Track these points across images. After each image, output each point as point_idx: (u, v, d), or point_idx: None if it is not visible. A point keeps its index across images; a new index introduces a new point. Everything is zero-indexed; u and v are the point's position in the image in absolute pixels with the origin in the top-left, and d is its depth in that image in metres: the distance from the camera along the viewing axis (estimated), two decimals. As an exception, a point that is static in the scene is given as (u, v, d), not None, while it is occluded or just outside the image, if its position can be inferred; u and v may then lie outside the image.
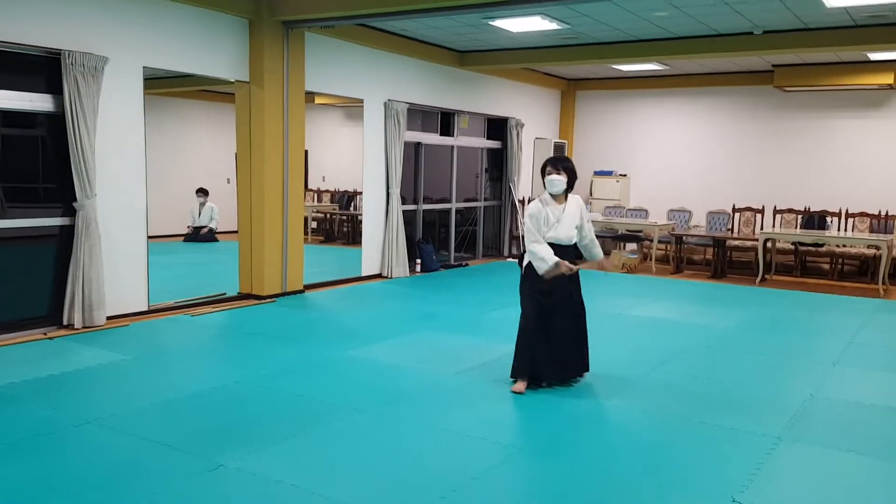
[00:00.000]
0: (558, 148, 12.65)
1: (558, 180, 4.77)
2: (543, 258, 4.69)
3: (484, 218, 11.73)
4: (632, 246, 11.95)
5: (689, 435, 4.15)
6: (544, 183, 4.84)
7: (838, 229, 10.54)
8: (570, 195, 4.88)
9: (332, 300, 8.02)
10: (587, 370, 5.07)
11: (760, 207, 11.08)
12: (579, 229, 4.90)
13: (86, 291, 6.12)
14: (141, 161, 6.64)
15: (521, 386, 4.80)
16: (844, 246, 10.09)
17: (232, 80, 7.50)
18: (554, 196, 4.83)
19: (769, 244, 10.32)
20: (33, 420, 4.10)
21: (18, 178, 6.22)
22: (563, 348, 4.88)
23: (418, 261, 10.00)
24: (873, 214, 10.34)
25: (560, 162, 4.86)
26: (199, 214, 13.30)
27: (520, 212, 11.73)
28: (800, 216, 10.78)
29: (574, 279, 4.94)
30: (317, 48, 8.24)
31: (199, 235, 13.13)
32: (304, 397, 4.61)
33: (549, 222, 4.78)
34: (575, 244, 4.94)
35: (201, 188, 13.28)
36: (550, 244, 4.74)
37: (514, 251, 11.80)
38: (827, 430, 4.27)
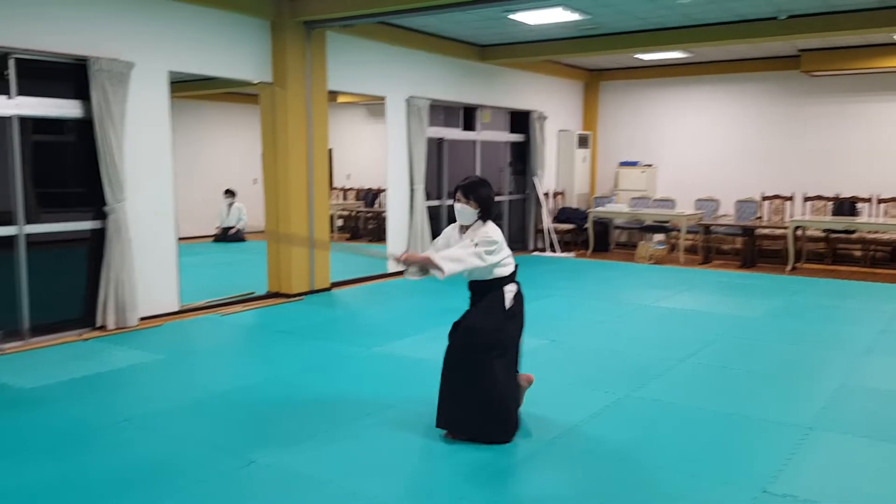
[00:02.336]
0: (582, 139, 12.58)
1: (464, 210, 3.90)
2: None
3: (510, 212, 11.71)
4: (659, 236, 11.83)
5: (719, 425, 4.12)
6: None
7: (869, 215, 10.36)
8: (483, 225, 3.91)
9: (359, 297, 8.07)
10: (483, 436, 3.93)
11: (790, 195, 10.93)
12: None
13: (118, 293, 6.23)
14: (168, 164, 6.74)
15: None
16: (876, 232, 9.92)
17: (255, 82, 7.57)
18: (463, 227, 3.98)
19: (799, 232, 10.18)
20: (68, 420, 4.19)
21: (50, 184, 6.35)
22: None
23: (444, 256, 10.00)
24: (906, 199, 10.17)
25: (470, 189, 3.89)
26: (228, 215, 13.45)
27: (544, 205, 11.69)
28: (830, 203, 10.62)
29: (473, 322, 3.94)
30: (338, 47, 8.29)
31: (228, 236, 13.28)
32: (333, 394, 4.65)
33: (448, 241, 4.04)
34: (487, 279, 3.94)
35: (228, 189, 13.43)
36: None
37: (540, 244, 11.76)
38: (859, 419, 4.22)
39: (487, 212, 3.92)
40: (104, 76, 5.98)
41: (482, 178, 4.08)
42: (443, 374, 3.95)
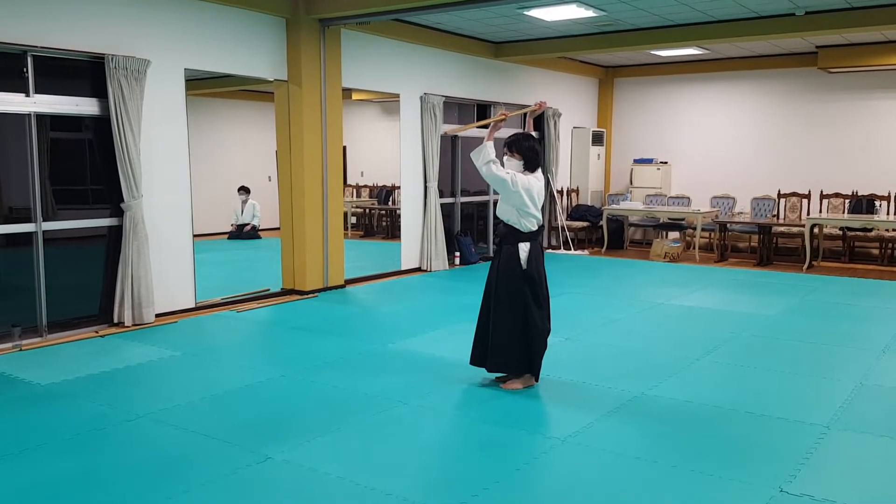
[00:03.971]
0: (597, 136, 12.54)
1: (510, 162, 4.64)
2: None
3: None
4: (674, 234, 11.79)
5: (735, 424, 4.10)
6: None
7: (888, 213, 10.26)
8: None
9: (373, 294, 8.09)
10: (490, 369, 4.70)
11: (806, 192, 10.84)
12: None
13: (135, 290, 6.27)
14: (185, 161, 6.77)
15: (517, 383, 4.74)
16: (894, 230, 9.82)
17: (271, 80, 7.60)
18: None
19: (816, 230, 10.10)
20: (86, 415, 4.23)
21: (67, 181, 6.41)
22: (481, 334, 4.75)
23: (457, 254, 10.02)
24: (925, 197, 10.06)
25: (515, 142, 4.64)
26: (242, 212, 13.52)
27: (558, 202, 11.66)
28: (847, 200, 10.52)
29: (500, 271, 4.59)
30: (352, 44, 8.30)
31: (243, 233, 13.35)
32: (347, 390, 4.66)
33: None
34: (510, 225, 4.59)
35: (243, 186, 13.50)
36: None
37: (554, 242, 11.73)
38: (877, 418, 4.18)
39: (530, 162, 4.59)
40: (121, 74, 6.02)
41: (527, 132, 4.77)
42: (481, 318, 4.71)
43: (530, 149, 4.60)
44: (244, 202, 13.53)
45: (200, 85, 10.87)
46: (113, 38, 6.10)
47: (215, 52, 7.00)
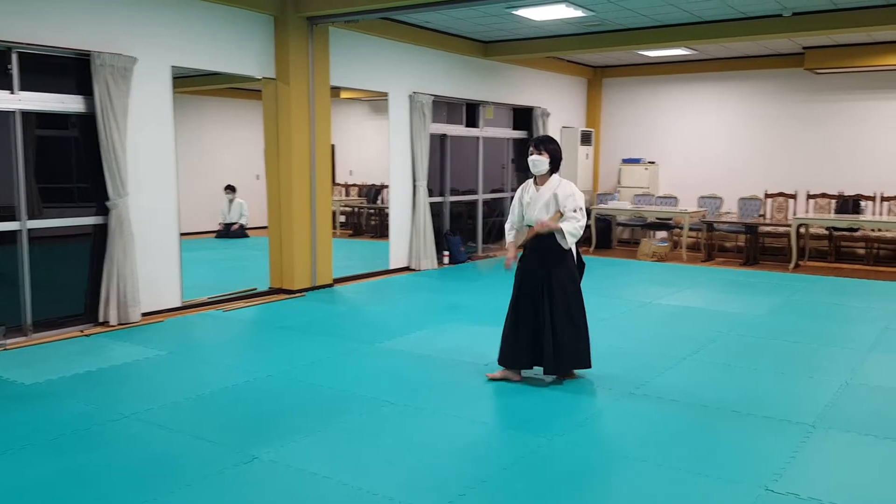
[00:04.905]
0: (585, 136, 12.57)
1: (538, 161, 4.66)
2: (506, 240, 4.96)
3: (512, 208, 11.68)
4: (662, 234, 11.84)
5: (721, 424, 4.11)
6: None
7: (873, 213, 10.34)
8: (554, 176, 4.71)
9: (361, 293, 8.07)
10: (564, 370, 4.79)
11: (793, 193, 10.91)
12: (557, 211, 4.65)
13: (120, 289, 6.23)
14: (171, 159, 6.73)
15: (497, 374, 4.89)
16: (880, 230, 9.90)
17: (258, 77, 7.56)
18: (537, 178, 4.75)
19: (802, 230, 10.16)
20: (72, 415, 4.19)
21: (53, 179, 6.36)
22: (531, 340, 4.75)
23: (446, 253, 10.01)
24: (910, 197, 10.14)
25: (542, 143, 4.71)
26: (229, 211, 13.47)
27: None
28: (833, 201, 10.59)
29: (550, 269, 4.68)
30: (341, 43, 8.27)
31: (230, 232, 13.30)
32: (334, 390, 4.65)
33: (522, 204, 4.79)
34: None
35: (229, 185, 13.44)
36: (530, 227, 4.77)
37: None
38: (862, 417, 4.21)
39: (556, 163, 4.68)
40: (107, 71, 5.97)
41: (551, 136, 4.97)
42: (522, 322, 4.76)
43: (558, 151, 4.72)
44: (230, 201, 13.48)
45: (188, 82, 10.81)
46: (99, 36, 6.05)
47: (203, 49, 6.96)
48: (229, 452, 3.66)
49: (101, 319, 6.25)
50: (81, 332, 6.07)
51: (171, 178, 6.74)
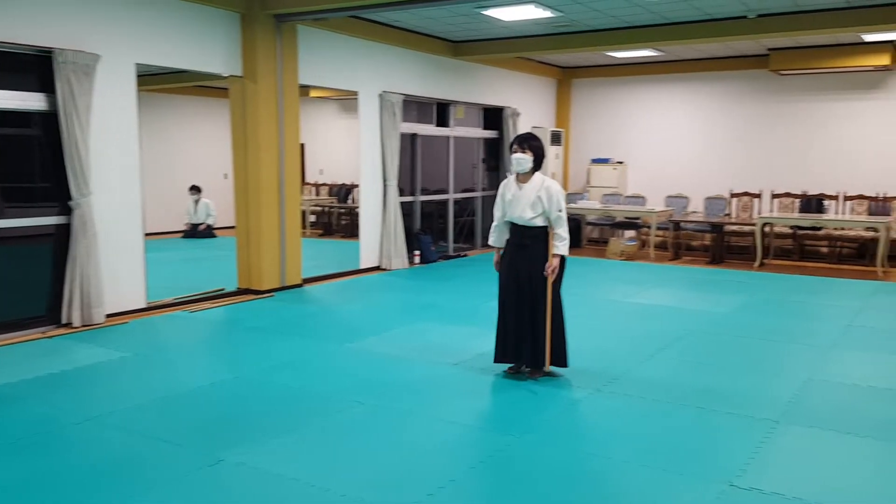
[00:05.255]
0: (555, 136, 12.64)
1: (522, 158, 4.70)
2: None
3: (483, 208, 11.72)
4: (630, 233, 11.94)
5: (686, 420, 4.16)
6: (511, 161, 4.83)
7: (836, 212, 10.53)
8: (537, 174, 4.75)
9: (331, 293, 8.02)
10: (543, 365, 4.83)
11: (758, 192, 11.07)
12: (542, 211, 4.69)
13: (84, 290, 6.12)
14: (136, 158, 6.63)
15: (509, 368, 5.01)
16: (842, 229, 10.10)
17: (225, 76, 7.48)
18: (519, 175, 4.78)
19: (767, 228, 10.32)
20: (33, 418, 4.11)
21: (14, 178, 6.22)
22: (515, 336, 4.86)
23: (417, 252, 10.00)
24: (871, 197, 10.34)
25: (526, 140, 4.76)
26: (195, 211, 13.31)
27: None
28: (797, 200, 10.77)
29: (534, 267, 4.75)
30: (310, 41, 8.22)
31: (197, 232, 13.14)
32: (303, 391, 4.62)
33: (505, 201, 4.82)
34: (544, 226, 4.74)
35: (194, 185, 13.27)
36: (513, 224, 4.82)
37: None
38: (824, 412, 4.29)
39: (539, 161, 4.72)
40: (69, 68, 5.86)
41: (534, 133, 4.98)
42: (508, 318, 4.87)
43: (540, 149, 4.77)
44: (196, 202, 13.31)
45: (154, 80, 10.65)
46: (61, 32, 5.94)
47: (168, 47, 6.86)
48: (194, 455, 3.61)
49: (63, 321, 6.13)
50: (44, 333, 5.96)
51: (135, 177, 6.63)
